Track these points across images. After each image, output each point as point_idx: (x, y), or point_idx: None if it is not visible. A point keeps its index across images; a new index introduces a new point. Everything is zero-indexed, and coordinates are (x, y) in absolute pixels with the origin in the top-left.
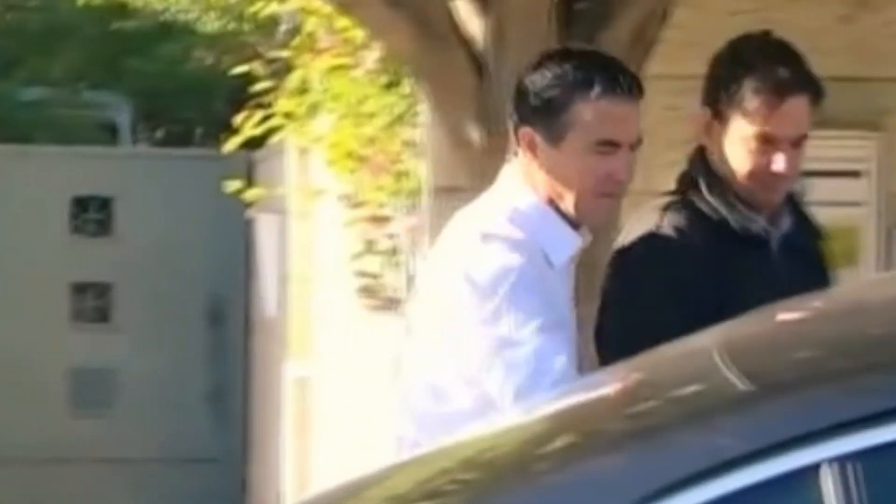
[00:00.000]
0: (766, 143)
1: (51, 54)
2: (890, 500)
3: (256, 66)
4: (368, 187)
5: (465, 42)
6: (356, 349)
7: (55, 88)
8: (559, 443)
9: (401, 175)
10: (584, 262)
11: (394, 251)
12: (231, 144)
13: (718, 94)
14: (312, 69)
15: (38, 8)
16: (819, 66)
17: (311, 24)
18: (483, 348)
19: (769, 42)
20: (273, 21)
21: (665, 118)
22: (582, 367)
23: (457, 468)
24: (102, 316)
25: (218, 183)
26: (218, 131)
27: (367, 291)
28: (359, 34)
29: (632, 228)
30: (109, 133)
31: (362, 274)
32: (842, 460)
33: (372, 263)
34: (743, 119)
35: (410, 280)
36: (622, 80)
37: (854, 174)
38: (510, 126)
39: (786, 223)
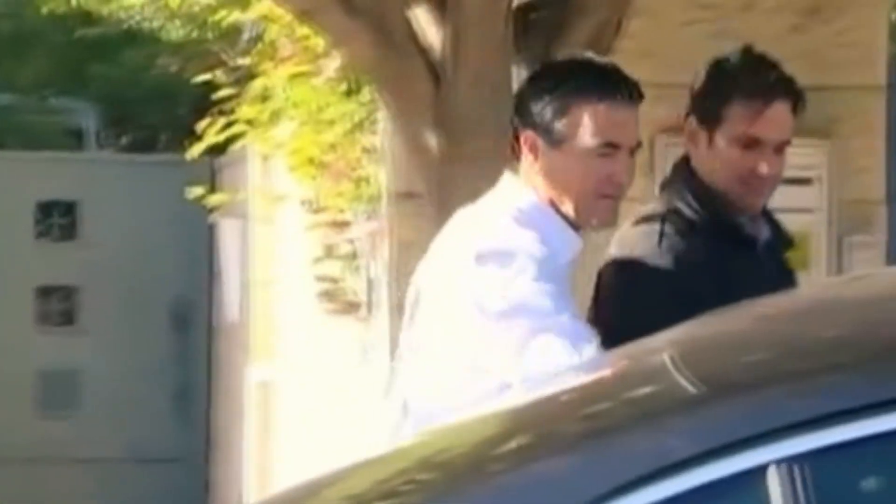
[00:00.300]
0: (751, 147)
1: (17, 61)
2: (836, 501)
3: (219, 74)
4: (329, 193)
5: (423, 50)
6: (317, 353)
7: (22, 95)
8: (514, 443)
9: (361, 181)
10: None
11: (354, 256)
12: (194, 150)
13: (705, 101)
14: (274, 77)
15: (3, 15)
16: None
17: (272, 33)
18: (509, 341)
19: (753, 54)
20: (236, 29)
21: None
22: None
23: (413, 468)
24: (68, 319)
25: (182, 188)
26: (182, 137)
27: (327, 296)
28: (319, 42)
29: (624, 241)
30: (75, 139)
31: (323, 278)
32: (789, 461)
33: (332, 268)
34: (729, 124)
35: (369, 284)
36: (622, 86)
37: (805, 181)
38: (511, 131)
39: (765, 230)
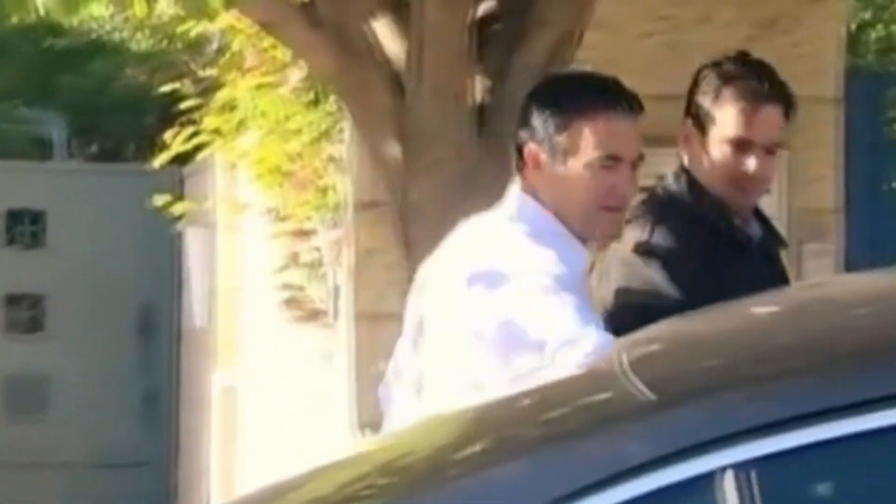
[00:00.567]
0: (742, 148)
1: None
2: None
3: (185, 84)
4: (293, 202)
5: (384, 62)
6: (281, 359)
7: None
8: (473, 448)
9: (324, 190)
10: None
11: (318, 263)
12: (160, 160)
13: (700, 104)
14: (239, 87)
15: None
16: None
17: (238, 44)
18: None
19: (747, 59)
20: (202, 40)
21: None
22: None
23: (374, 473)
24: (36, 326)
25: (149, 197)
26: (149, 147)
27: (290, 303)
28: (284, 53)
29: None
30: (43, 148)
31: (287, 286)
32: (744, 466)
33: (297, 275)
34: (721, 126)
35: (333, 291)
36: (622, 98)
37: None
38: (513, 145)
39: (757, 230)
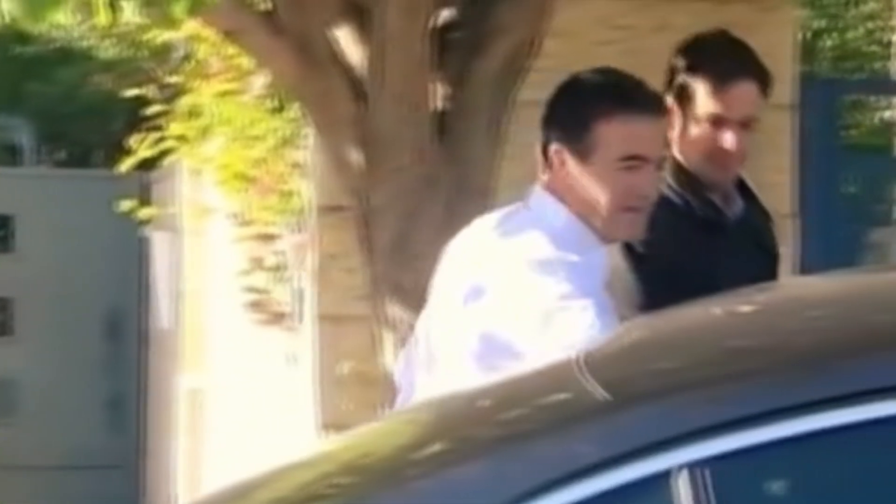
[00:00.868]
0: (718, 123)
1: None
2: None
3: (149, 91)
4: (256, 206)
5: (345, 69)
6: (245, 361)
7: None
8: (431, 449)
9: (287, 195)
10: None
11: (281, 267)
12: (125, 165)
13: (678, 80)
14: (204, 94)
15: None
16: None
17: (202, 52)
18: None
19: (723, 36)
20: (167, 48)
21: (538, 142)
22: None
23: (336, 472)
24: (5, 329)
25: (116, 202)
26: (115, 153)
27: (255, 306)
28: (247, 61)
29: None
30: (11, 154)
31: (251, 289)
32: (694, 466)
33: (260, 279)
34: (697, 101)
35: (297, 294)
36: (646, 99)
37: None
38: (538, 145)
39: (738, 206)
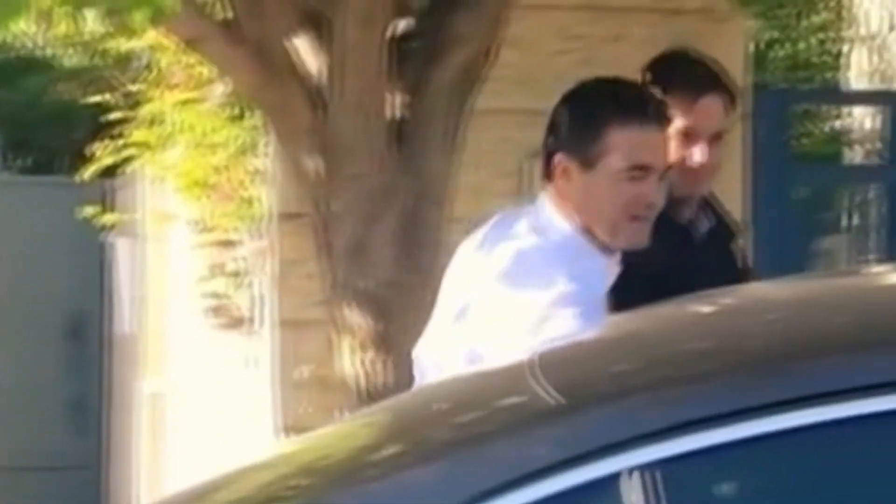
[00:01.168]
0: (687, 137)
1: None
2: None
3: (111, 99)
4: (217, 213)
5: (303, 78)
6: (205, 365)
7: None
8: (387, 451)
9: (247, 202)
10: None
11: (240, 273)
12: (87, 172)
13: None
14: (165, 102)
15: None
16: None
17: (164, 60)
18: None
19: (690, 52)
20: (130, 57)
21: (495, 150)
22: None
23: (294, 474)
24: None
25: (79, 208)
26: (79, 160)
27: (215, 311)
28: (208, 70)
29: None
30: None
31: (211, 295)
32: (647, 467)
33: (220, 285)
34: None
35: (257, 300)
36: (650, 109)
37: None
38: (542, 155)
39: (708, 221)
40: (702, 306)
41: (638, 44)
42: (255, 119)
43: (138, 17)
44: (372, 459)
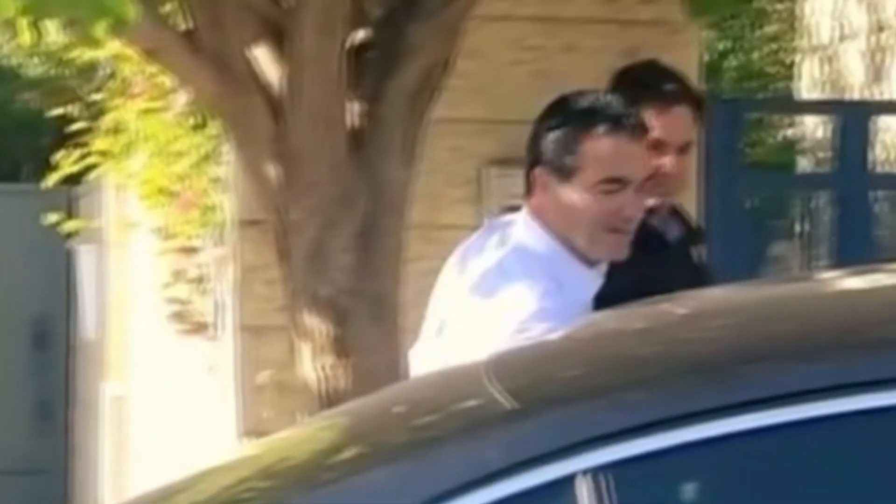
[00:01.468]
0: (656, 148)
1: None
2: None
3: (74, 108)
4: (178, 220)
5: (263, 87)
6: (168, 369)
7: None
8: (344, 454)
9: (208, 209)
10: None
11: (202, 279)
12: (52, 180)
13: None
14: (127, 111)
15: None
16: None
17: (125, 70)
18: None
19: (657, 64)
20: (92, 66)
21: (450, 158)
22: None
23: (254, 477)
24: None
25: (43, 216)
26: (44, 168)
27: (177, 317)
28: (169, 79)
29: None
30: None
31: (173, 301)
32: (596, 471)
33: (182, 291)
34: None
35: (218, 306)
36: (626, 121)
37: None
38: (524, 168)
39: (675, 229)
40: (650, 313)
41: (591, 54)
42: (215, 128)
43: (98, 27)
44: (330, 462)
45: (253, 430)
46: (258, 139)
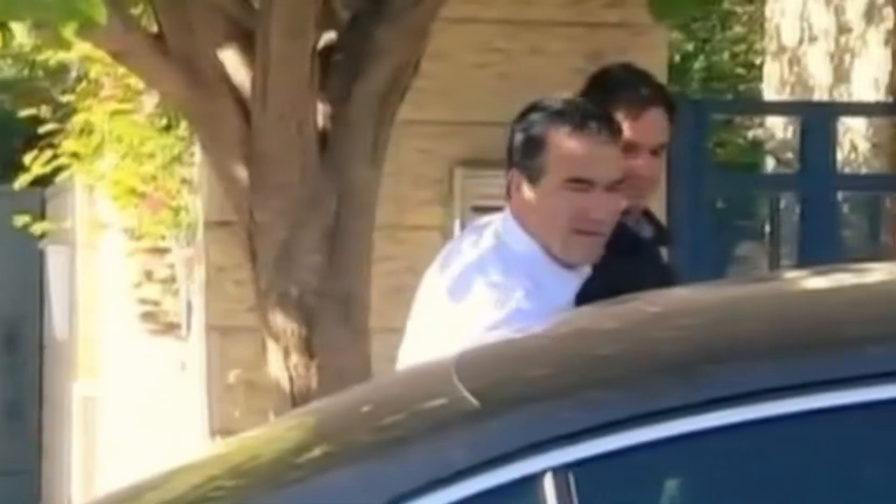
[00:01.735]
0: (629, 150)
1: None
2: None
3: (44, 110)
4: (148, 221)
5: (231, 89)
6: (138, 369)
7: None
8: (312, 453)
9: (178, 210)
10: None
11: (172, 280)
12: (21, 181)
13: None
14: (96, 113)
15: None
16: None
17: (95, 72)
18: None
19: (630, 67)
20: (62, 68)
21: (416, 160)
22: None
23: (222, 475)
24: None
25: (14, 217)
26: (15, 169)
27: (148, 317)
28: (138, 81)
29: None
30: None
31: (143, 301)
32: (561, 469)
33: (152, 291)
34: None
35: (186, 306)
36: (592, 122)
37: None
38: (505, 170)
39: (647, 231)
40: (616, 312)
41: (556, 57)
42: (184, 129)
43: (68, 29)
44: (297, 461)
45: (223, 429)
46: (227, 141)
